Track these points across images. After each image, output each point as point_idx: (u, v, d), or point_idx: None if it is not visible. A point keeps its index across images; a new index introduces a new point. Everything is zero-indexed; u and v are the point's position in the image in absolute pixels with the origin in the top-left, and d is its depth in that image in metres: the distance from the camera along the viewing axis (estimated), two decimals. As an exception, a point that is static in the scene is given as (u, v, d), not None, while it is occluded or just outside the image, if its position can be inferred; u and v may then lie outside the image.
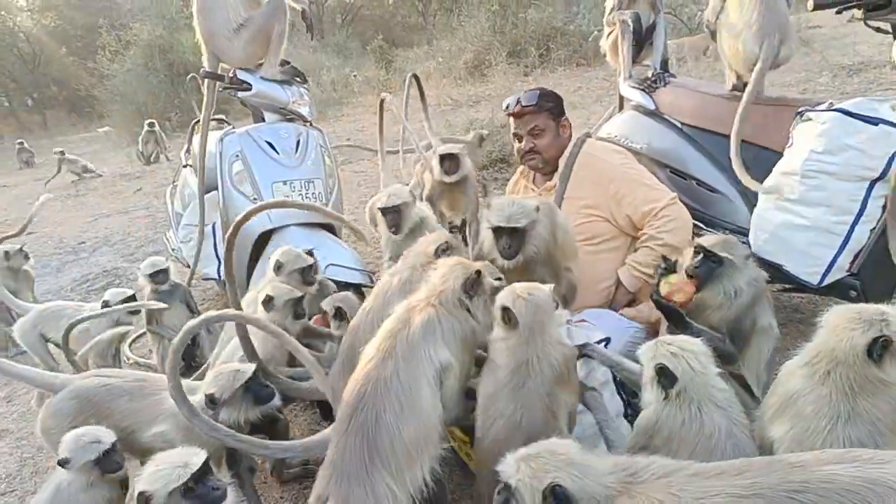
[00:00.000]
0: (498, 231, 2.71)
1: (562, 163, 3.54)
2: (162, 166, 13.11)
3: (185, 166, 5.42)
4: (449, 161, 4.24)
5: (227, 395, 2.47)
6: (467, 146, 5.64)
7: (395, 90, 15.15)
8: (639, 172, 3.46)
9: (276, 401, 2.57)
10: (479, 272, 2.22)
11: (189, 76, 10.97)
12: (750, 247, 3.21)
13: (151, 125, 15.39)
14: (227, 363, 2.83)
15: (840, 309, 1.89)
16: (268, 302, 3.02)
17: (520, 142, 3.63)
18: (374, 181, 8.83)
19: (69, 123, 29.68)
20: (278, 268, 3.33)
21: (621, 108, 4.37)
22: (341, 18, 34.42)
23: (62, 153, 14.01)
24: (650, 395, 2.01)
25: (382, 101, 4.95)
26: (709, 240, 2.57)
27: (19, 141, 18.79)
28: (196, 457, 2.00)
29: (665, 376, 1.94)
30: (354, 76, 18.65)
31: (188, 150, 5.53)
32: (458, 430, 2.62)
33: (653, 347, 2.04)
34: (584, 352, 2.48)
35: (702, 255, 2.53)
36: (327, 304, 3.22)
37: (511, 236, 2.69)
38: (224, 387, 2.48)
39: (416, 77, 5.21)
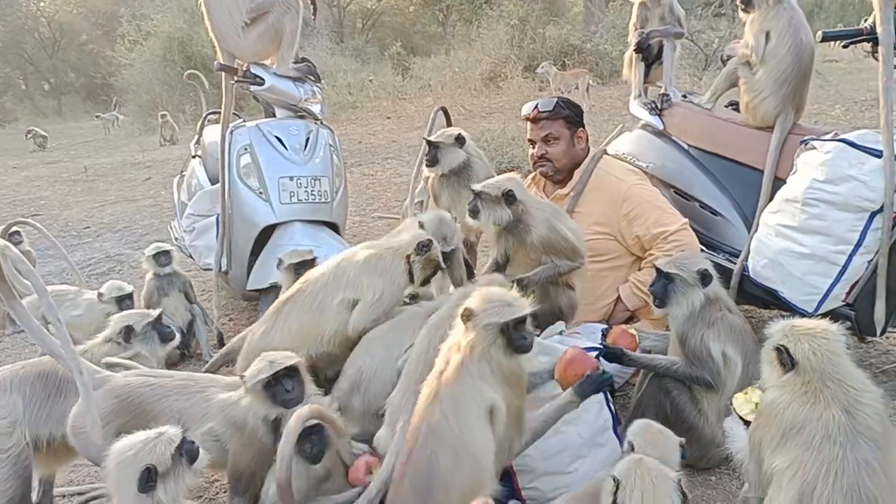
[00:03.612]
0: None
1: (577, 176, 3.55)
2: (172, 157, 13.17)
3: (193, 157, 5.45)
4: (429, 149, 3.65)
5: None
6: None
7: (411, 98, 15.23)
8: (653, 195, 3.47)
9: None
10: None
11: (186, 73, 10.81)
12: (748, 271, 3.23)
13: (164, 116, 16.12)
14: None
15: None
16: None
17: (533, 147, 3.64)
18: (381, 185, 8.87)
19: (83, 110, 29.87)
20: None
21: None
22: (362, 23, 34.64)
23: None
24: None
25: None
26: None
27: (30, 129, 18.94)
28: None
29: None
30: (370, 81, 18.74)
31: (198, 141, 5.56)
32: None
33: None
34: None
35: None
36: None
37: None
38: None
39: (444, 110, 4.80)
